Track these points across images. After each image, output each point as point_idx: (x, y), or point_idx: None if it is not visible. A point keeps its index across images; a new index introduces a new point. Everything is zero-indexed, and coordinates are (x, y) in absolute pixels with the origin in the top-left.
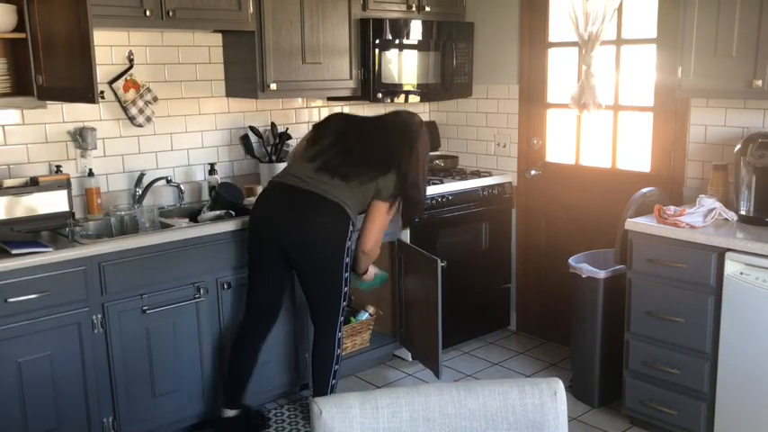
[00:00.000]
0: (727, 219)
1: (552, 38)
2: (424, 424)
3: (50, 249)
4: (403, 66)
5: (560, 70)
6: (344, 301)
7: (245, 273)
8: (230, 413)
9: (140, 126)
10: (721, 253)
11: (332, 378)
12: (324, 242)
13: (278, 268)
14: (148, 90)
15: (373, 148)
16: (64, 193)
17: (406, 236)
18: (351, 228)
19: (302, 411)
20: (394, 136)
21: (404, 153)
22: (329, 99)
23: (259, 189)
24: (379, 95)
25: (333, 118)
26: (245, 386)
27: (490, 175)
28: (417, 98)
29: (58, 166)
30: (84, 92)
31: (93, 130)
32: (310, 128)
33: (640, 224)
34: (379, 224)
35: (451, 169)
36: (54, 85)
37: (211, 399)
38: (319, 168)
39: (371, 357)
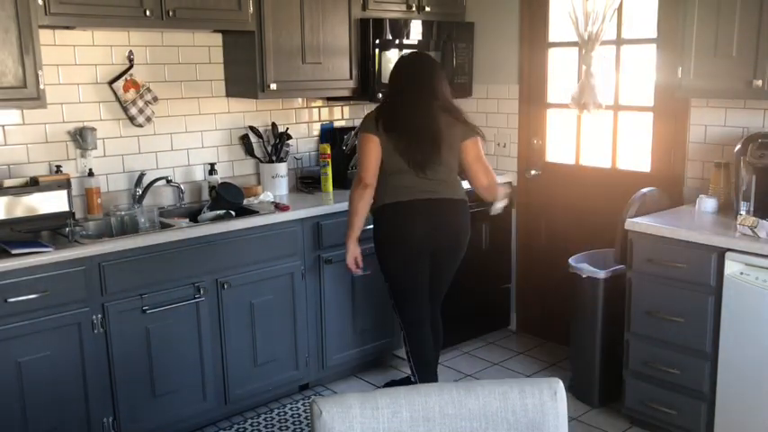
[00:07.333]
0: None
1: (552, 38)
2: (424, 424)
3: (50, 249)
4: None
5: (560, 70)
6: None
7: (244, 273)
8: None
9: (140, 126)
10: (721, 253)
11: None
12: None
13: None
14: (148, 90)
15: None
16: (64, 193)
17: None
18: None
19: (304, 411)
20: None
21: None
22: (329, 99)
23: (259, 189)
24: (380, 95)
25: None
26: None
27: None
28: None
29: (58, 166)
30: None
31: (94, 129)
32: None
33: (640, 224)
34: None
35: None
36: None
37: (211, 398)
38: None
39: (371, 357)
